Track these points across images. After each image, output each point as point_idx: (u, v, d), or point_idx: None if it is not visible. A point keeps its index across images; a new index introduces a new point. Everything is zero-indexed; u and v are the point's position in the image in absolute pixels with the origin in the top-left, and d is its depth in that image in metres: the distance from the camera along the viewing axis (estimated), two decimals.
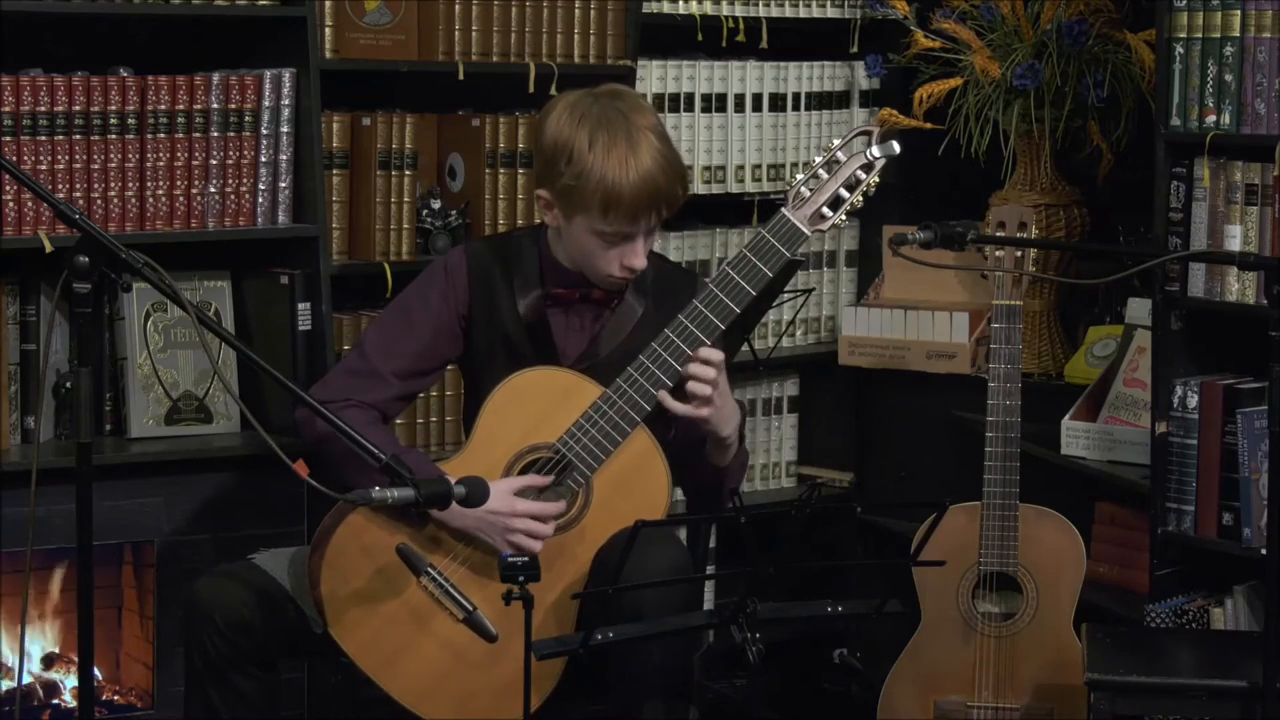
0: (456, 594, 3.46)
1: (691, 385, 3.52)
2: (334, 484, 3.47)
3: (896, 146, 3.61)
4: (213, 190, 4.23)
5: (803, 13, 5.15)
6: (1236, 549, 4.13)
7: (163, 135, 4.17)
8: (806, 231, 3.57)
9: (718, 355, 3.54)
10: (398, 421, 4.34)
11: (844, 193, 3.59)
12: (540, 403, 3.55)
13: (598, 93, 3.61)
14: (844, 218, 3.62)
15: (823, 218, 3.59)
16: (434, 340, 3.68)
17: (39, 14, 4.11)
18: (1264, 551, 3.72)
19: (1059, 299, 4.92)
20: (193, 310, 3.04)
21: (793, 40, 5.16)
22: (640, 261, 3.58)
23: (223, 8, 4.21)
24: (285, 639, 3.57)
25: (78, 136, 4.09)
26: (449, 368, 3.88)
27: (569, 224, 3.57)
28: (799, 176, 3.60)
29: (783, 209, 3.59)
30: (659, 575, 3.33)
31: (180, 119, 4.19)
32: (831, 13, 5.19)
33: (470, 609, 3.40)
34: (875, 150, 3.60)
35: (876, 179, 3.62)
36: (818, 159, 3.60)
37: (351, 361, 3.69)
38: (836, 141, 3.61)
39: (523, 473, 3.55)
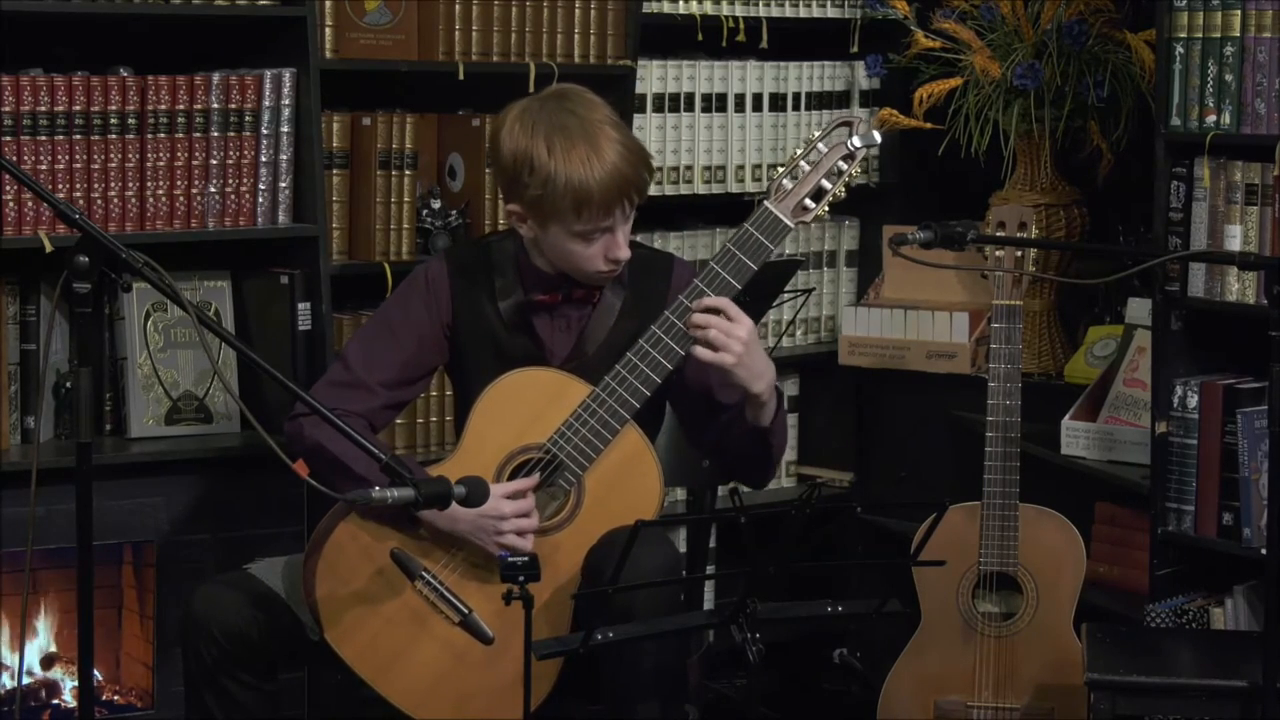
0: (451, 597, 3.46)
1: (697, 334, 3.48)
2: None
3: (878, 136, 3.59)
4: (213, 190, 4.23)
5: (803, 13, 5.15)
6: (1236, 549, 4.13)
7: (163, 135, 4.17)
8: (789, 224, 3.56)
9: (722, 301, 3.49)
10: (396, 421, 4.34)
11: (825, 184, 3.57)
12: (530, 403, 3.54)
13: (544, 97, 3.58)
14: (826, 209, 3.60)
15: (805, 209, 3.57)
16: (418, 349, 3.67)
17: (39, 14, 4.11)
18: (1264, 551, 3.72)
19: (1059, 299, 4.92)
20: (193, 310, 3.04)
21: (793, 40, 5.16)
22: (624, 252, 3.56)
23: (223, 8, 4.21)
24: (282, 647, 3.56)
25: (78, 136, 4.09)
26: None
27: (545, 232, 3.55)
28: (780, 169, 3.58)
29: (765, 202, 3.57)
30: (649, 575, 3.31)
31: (180, 119, 4.19)
32: (831, 13, 5.20)
33: (465, 611, 3.40)
34: (856, 140, 3.57)
35: (858, 170, 3.60)
36: (798, 151, 3.59)
37: (335, 374, 3.67)
38: (817, 133, 3.60)
39: (514, 474, 3.54)
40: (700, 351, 3.48)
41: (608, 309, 3.64)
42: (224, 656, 3.49)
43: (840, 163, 3.57)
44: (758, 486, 3.76)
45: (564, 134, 3.49)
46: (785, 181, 3.56)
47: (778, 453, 3.66)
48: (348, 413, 3.55)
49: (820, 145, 3.57)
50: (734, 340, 3.47)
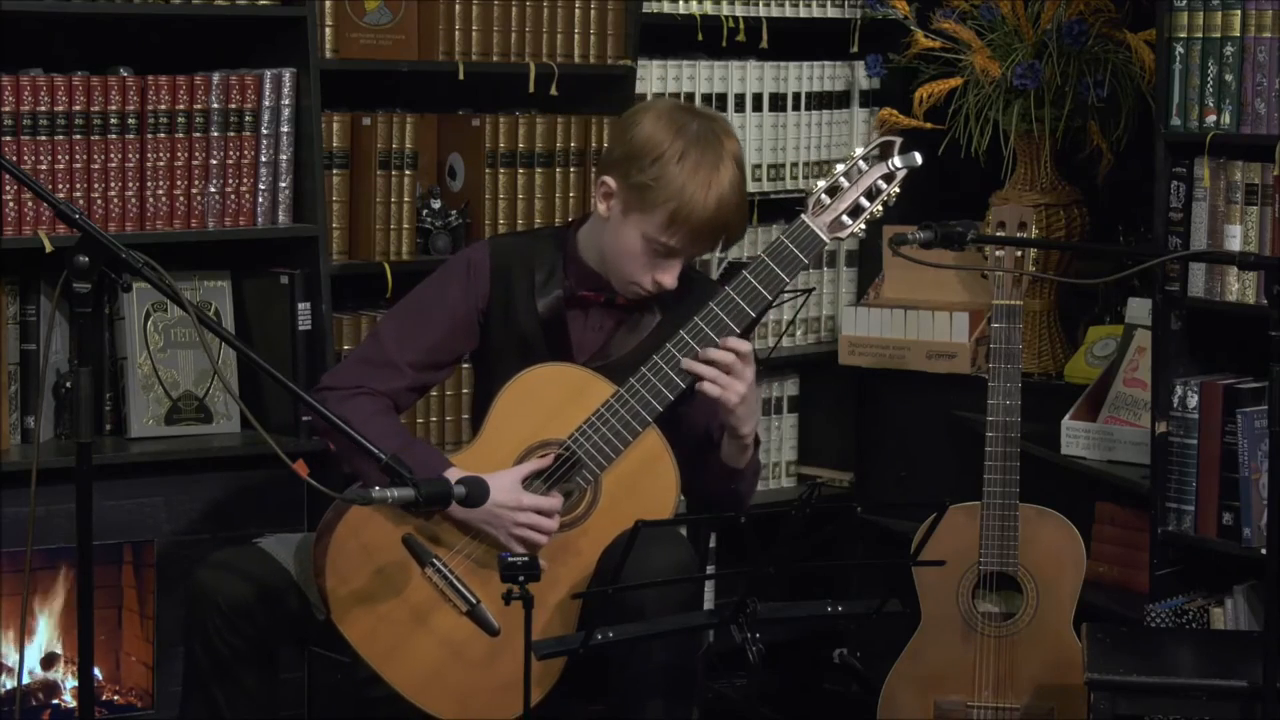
0: (460, 587, 3.46)
1: (705, 369, 3.53)
2: (340, 476, 3.47)
3: (919, 158, 3.66)
4: (213, 190, 4.23)
5: (803, 13, 5.15)
6: (1236, 549, 4.13)
7: (163, 135, 4.17)
8: (826, 239, 3.61)
9: (745, 345, 3.55)
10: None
11: (864, 202, 3.64)
12: (552, 398, 3.56)
13: (696, 110, 3.66)
14: (863, 227, 3.64)
15: (842, 225, 3.63)
16: (450, 333, 3.69)
17: (39, 14, 4.11)
18: (1264, 551, 3.72)
19: (1059, 299, 4.92)
20: (193, 310, 3.04)
21: (793, 40, 5.16)
22: (671, 282, 3.60)
23: (223, 8, 4.21)
24: (287, 626, 3.58)
25: (78, 136, 4.09)
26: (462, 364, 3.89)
27: (623, 219, 3.58)
28: (820, 184, 3.63)
29: (803, 215, 3.62)
30: (660, 575, 3.33)
31: (180, 119, 4.19)
32: (831, 13, 5.20)
33: (474, 602, 3.40)
34: (897, 160, 3.65)
35: (897, 189, 3.65)
36: (839, 167, 3.64)
37: (366, 350, 3.71)
38: (859, 150, 3.65)
39: None
40: (708, 387, 3.53)
41: (645, 320, 3.67)
42: (233, 634, 3.51)
43: (880, 182, 3.64)
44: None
45: (700, 149, 3.54)
46: (824, 196, 3.62)
47: (745, 497, 3.71)
48: (373, 390, 3.59)
49: (861, 163, 3.61)
50: (740, 383, 3.53)
